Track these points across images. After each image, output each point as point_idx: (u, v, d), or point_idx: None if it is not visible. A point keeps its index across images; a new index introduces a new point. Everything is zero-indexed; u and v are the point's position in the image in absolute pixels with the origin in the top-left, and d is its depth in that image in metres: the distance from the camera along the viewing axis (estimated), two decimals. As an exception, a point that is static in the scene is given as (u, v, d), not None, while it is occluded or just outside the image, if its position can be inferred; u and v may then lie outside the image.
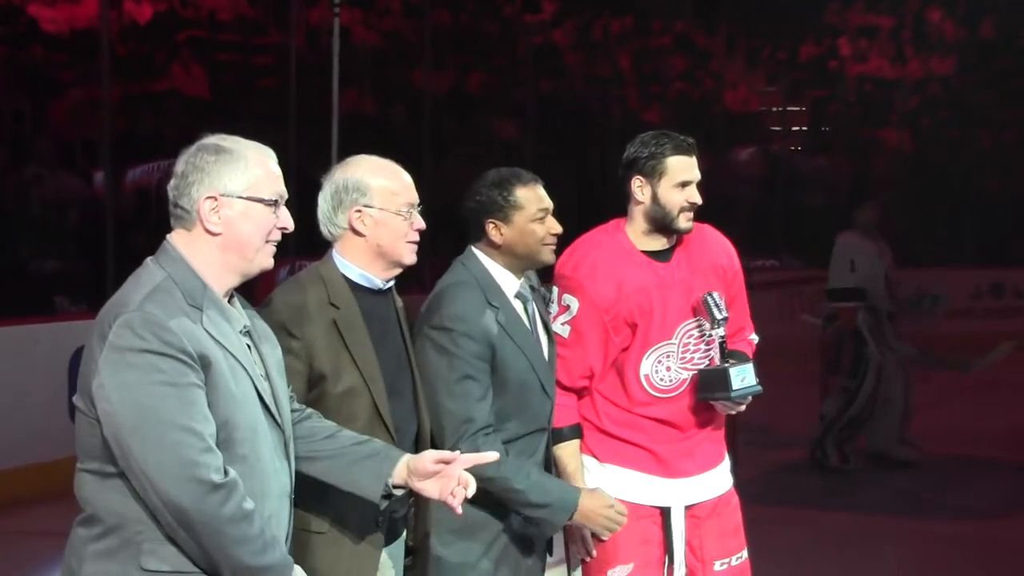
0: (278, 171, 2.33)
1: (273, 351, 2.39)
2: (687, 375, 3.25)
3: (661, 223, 3.22)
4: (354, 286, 2.71)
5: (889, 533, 6.18)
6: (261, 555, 2.18)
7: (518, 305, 3.04)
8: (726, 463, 3.40)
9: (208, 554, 2.15)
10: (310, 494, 2.58)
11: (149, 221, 8.65)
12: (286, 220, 2.32)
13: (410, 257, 2.74)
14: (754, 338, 3.49)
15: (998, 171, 13.78)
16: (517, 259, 3.03)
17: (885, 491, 6.99)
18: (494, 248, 3.01)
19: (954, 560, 5.82)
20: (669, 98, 13.88)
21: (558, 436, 3.18)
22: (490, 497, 2.93)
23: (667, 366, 3.23)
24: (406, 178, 2.76)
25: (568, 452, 3.21)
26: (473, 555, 2.97)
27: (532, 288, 3.15)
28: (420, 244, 2.76)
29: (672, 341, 3.23)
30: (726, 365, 3.25)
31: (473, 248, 3.05)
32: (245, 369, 2.25)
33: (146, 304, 2.16)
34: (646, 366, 3.23)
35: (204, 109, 10.05)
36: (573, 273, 3.22)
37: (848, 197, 13.93)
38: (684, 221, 3.22)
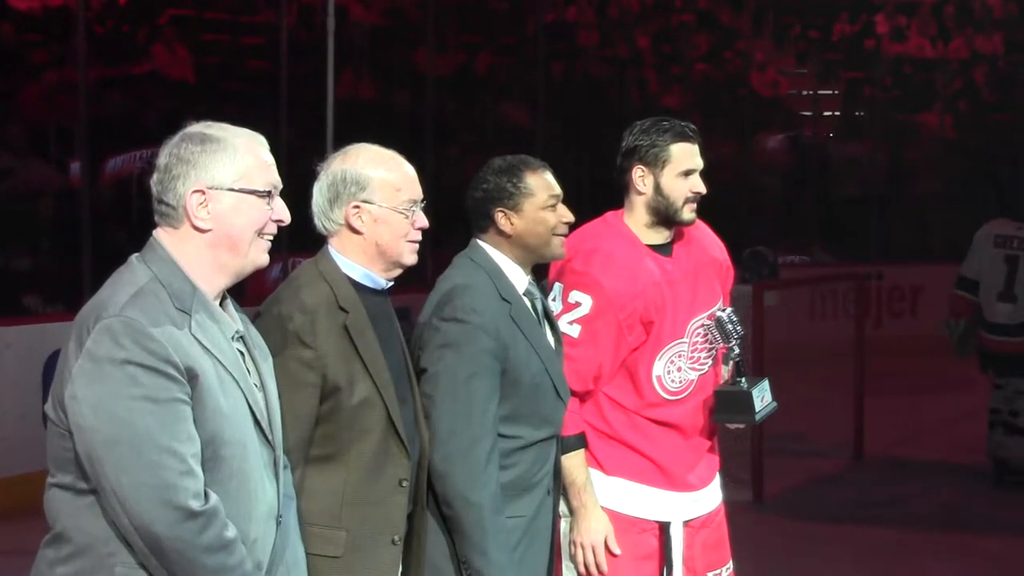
0: (271, 159, 2.31)
1: (265, 359, 2.37)
2: (695, 375, 3.31)
3: (664, 214, 3.27)
4: (356, 286, 2.69)
5: (933, 549, 6.15)
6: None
7: (526, 302, 3.04)
8: (719, 475, 3.48)
9: None
10: (322, 516, 2.57)
11: (129, 214, 8.66)
12: (281, 212, 2.30)
13: (411, 257, 2.73)
14: None
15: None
16: (527, 251, 3.02)
17: (927, 505, 6.97)
18: (503, 238, 3.00)
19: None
20: (691, 80, 13.84)
21: (564, 445, 3.18)
22: (509, 507, 2.92)
23: (678, 366, 3.28)
24: (410, 172, 2.73)
25: (576, 463, 3.21)
26: None
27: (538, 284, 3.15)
28: (421, 239, 2.74)
29: (684, 340, 3.28)
30: (747, 387, 3.31)
31: (479, 241, 3.04)
32: (236, 380, 2.23)
33: (129, 308, 2.13)
34: (659, 367, 3.27)
35: (189, 93, 10.06)
36: (584, 268, 3.22)
37: (884, 187, 13.93)
38: (688, 212, 3.28)
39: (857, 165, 13.93)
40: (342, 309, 2.62)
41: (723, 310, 3.27)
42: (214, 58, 11.08)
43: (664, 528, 3.32)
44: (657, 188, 3.24)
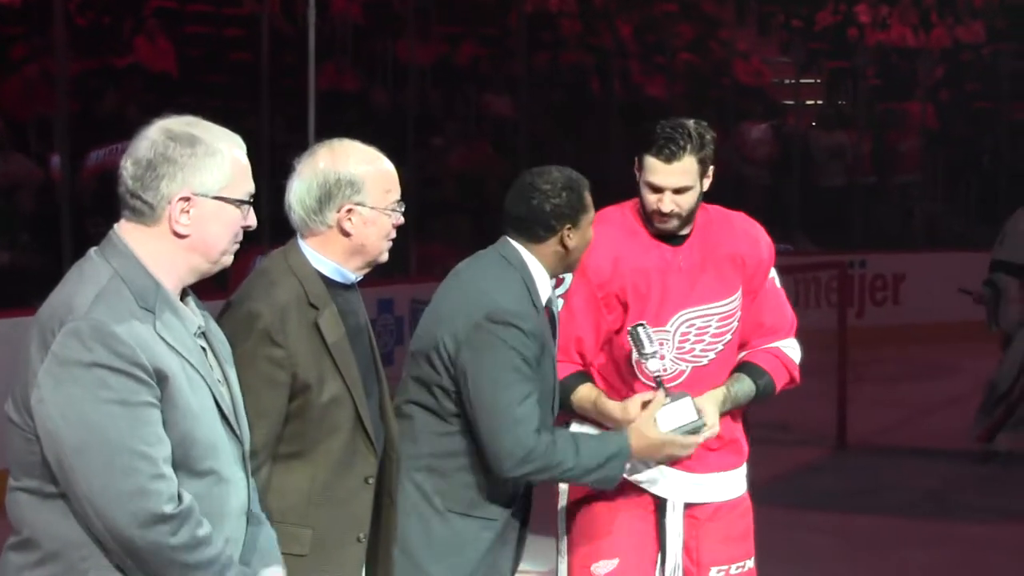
0: (248, 165, 2.28)
1: (226, 353, 2.34)
2: (686, 367, 3.27)
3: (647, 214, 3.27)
4: (325, 280, 2.66)
5: (917, 536, 6.18)
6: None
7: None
8: (740, 471, 3.40)
9: None
10: (289, 514, 2.56)
11: (110, 208, 8.62)
12: (252, 219, 2.28)
13: (386, 255, 2.74)
14: (784, 345, 3.39)
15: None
16: (568, 265, 3.11)
17: (911, 492, 7.00)
18: (553, 251, 3.04)
19: (990, 565, 5.81)
20: (675, 70, 13.85)
21: (565, 389, 3.20)
22: (483, 509, 2.98)
23: (660, 354, 3.23)
24: (394, 170, 2.74)
25: (582, 394, 3.23)
26: (464, 570, 3.00)
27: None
28: (405, 229, 2.75)
29: (666, 329, 3.25)
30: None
31: (512, 241, 3.06)
32: (203, 377, 2.20)
33: (95, 310, 2.09)
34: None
35: (171, 86, 10.02)
36: None
37: (867, 176, 13.97)
38: (658, 222, 3.24)
39: (840, 154, 13.96)
40: (312, 306, 2.60)
41: (641, 324, 3.17)
42: (196, 50, 11.04)
43: (660, 509, 3.30)
44: (639, 188, 3.25)
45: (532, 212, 3.02)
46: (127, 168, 2.20)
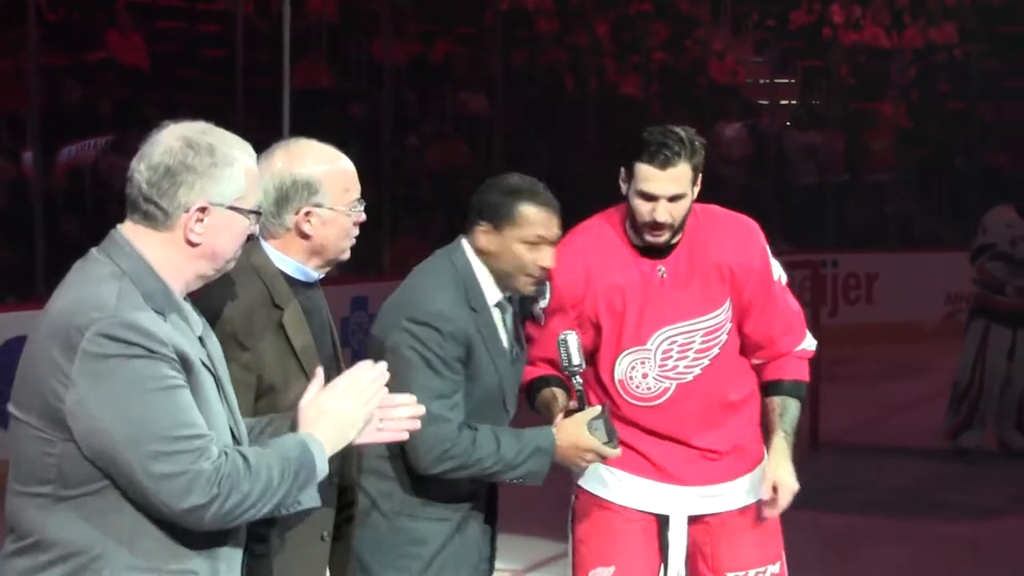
0: (259, 173, 2.29)
1: (220, 356, 2.34)
2: (669, 384, 3.18)
3: (637, 227, 3.14)
4: (288, 279, 2.65)
5: (891, 534, 6.21)
6: (284, 482, 2.15)
7: (496, 314, 3.02)
8: (752, 476, 3.32)
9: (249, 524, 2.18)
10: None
11: (83, 204, 8.58)
12: (256, 227, 2.31)
13: (347, 253, 2.72)
14: (806, 345, 3.34)
15: (1003, 146, 13.86)
16: (494, 273, 3.00)
17: (884, 490, 7.03)
18: (479, 251, 2.99)
19: (962, 563, 5.85)
20: (650, 68, 13.87)
21: (532, 390, 3.16)
22: (432, 509, 2.95)
23: (643, 372, 3.17)
24: (353, 168, 2.71)
25: (540, 396, 3.15)
26: (414, 569, 2.96)
27: (509, 299, 3.09)
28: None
29: (647, 347, 3.16)
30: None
31: (464, 242, 3.01)
32: (212, 376, 2.22)
33: (121, 307, 2.10)
34: (619, 371, 3.18)
35: (143, 81, 9.96)
36: (557, 259, 3.19)
37: (841, 175, 14.03)
38: (650, 235, 3.10)
39: (814, 153, 14.02)
40: (276, 306, 2.59)
41: (568, 333, 3.02)
42: (169, 45, 10.99)
43: (662, 522, 3.23)
44: (629, 199, 3.11)
45: (471, 201, 3.01)
46: (141, 172, 2.18)
